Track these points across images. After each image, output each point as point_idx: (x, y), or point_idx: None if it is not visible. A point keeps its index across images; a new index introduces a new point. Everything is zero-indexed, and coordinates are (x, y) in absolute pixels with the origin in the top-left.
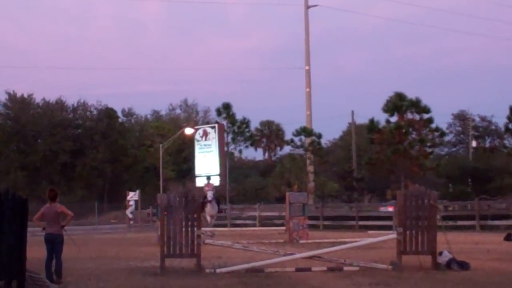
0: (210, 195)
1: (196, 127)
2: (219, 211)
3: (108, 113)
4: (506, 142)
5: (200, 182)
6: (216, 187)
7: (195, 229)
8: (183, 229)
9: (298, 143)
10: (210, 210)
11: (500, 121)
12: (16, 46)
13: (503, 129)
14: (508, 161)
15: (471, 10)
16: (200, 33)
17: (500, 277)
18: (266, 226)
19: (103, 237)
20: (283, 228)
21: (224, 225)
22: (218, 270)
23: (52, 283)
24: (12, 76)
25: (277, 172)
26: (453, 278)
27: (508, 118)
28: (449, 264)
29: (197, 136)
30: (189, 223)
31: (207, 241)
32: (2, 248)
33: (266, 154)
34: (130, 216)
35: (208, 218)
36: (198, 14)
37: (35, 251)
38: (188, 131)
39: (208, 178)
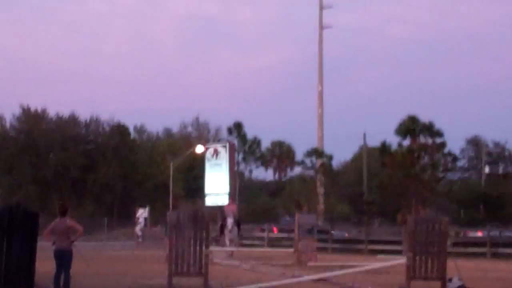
0: (230, 222)
1: (207, 145)
2: (239, 233)
3: (120, 130)
4: None
5: (209, 201)
6: (236, 207)
7: (204, 247)
8: (192, 247)
9: (309, 164)
10: (229, 235)
11: None
12: (31, 59)
13: None
14: None
15: (487, 33)
16: (213, 51)
17: None
18: (274, 247)
19: (112, 254)
20: (291, 249)
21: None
22: None
23: None
24: (26, 89)
25: (286, 193)
26: None
27: None
28: None
29: (207, 155)
30: (198, 241)
31: (215, 260)
32: (11, 261)
33: (277, 175)
34: (139, 233)
35: (227, 242)
36: (212, 32)
37: (45, 265)
38: (199, 149)
39: (231, 197)
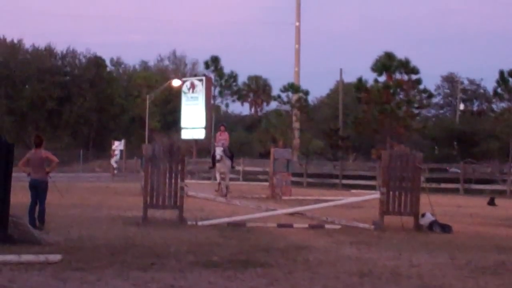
0: (218, 153)
1: (184, 79)
2: (232, 166)
3: (97, 62)
4: (494, 106)
5: (185, 134)
6: (228, 136)
7: (179, 180)
8: (167, 180)
9: (285, 99)
10: (220, 167)
11: (489, 85)
12: None
13: (491, 93)
14: (495, 125)
15: None
16: None
17: (482, 241)
18: (249, 181)
19: (87, 185)
20: (266, 183)
21: (208, 178)
22: (200, 223)
23: (34, 228)
24: (1, 20)
25: (262, 127)
26: (435, 240)
27: (497, 82)
28: (431, 226)
29: (184, 88)
30: (173, 174)
31: (190, 193)
32: None
33: (253, 109)
34: (115, 165)
35: (218, 177)
36: None
37: (20, 196)
38: (176, 83)
39: (222, 124)
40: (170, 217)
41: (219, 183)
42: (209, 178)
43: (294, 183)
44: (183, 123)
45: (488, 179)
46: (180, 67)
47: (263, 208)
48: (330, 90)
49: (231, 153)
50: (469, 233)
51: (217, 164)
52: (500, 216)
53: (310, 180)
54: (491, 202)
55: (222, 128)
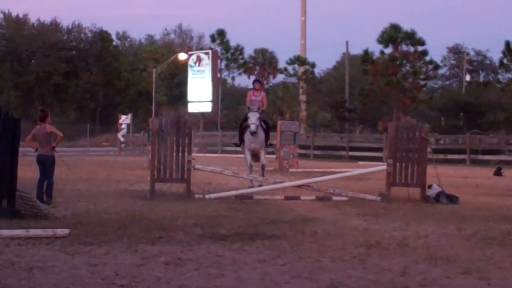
0: (253, 121)
1: (190, 52)
2: (269, 144)
3: (102, 36)
4: (500, 77)
5: (192, 107)
6: (266, 97)
7: (186, 154)
8: (174, 154)
9: (292, 72)
10: (251, 141)
11: (495, 55)
12: None
13: (497, 63)
14: (501, 96)
15: None
16: None
17: (488, 211)
18: None
19: (94, 160)
20: (273, 156)
21: (215, 152)
22: (207, 196)
23: (42, 203)
24: None
25: (269, 100)
26: (441, 211)
27: (503, 52)
28: (438, 197)
29: (190, 62)
30: (180, 148)
31: (197, 166)
32: None
33: None
34: (122, 139)
35: (248, 157)
36: None
37: (27, 171)
38: (182, 56)
39: (257, 81)
40: (177, 191)
41: (250, 166)
42: (215, 152)
43: (301, 155)
44: (190, 96)
45: (494, 150)
46: (186, 41)
47: (270, 180)
48: (337, 63)
49: (267, 124)
50: (476, 203)
51: (248, 138)
52: (506, 187)
53: (317, 152)
54: (498, 173)
55: (257, 85)
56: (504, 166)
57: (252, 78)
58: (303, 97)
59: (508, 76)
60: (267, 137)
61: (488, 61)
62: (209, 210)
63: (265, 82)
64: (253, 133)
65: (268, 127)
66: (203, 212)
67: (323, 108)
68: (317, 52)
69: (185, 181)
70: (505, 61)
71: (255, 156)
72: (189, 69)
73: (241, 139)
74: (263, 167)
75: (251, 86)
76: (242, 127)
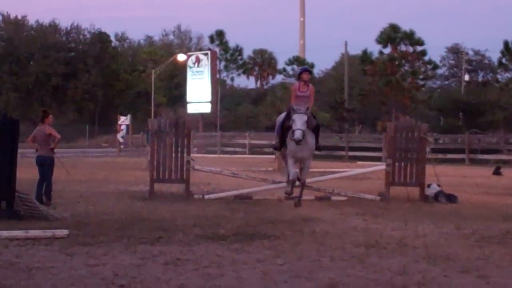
0: (299, 126)
1: (189, 53)
2: (317, 147)
3: (101, 37)
4: (499, 76)
5: (191, 108)
6: (313, 92)
7: (185, 155)
8: (173, 154)
9: (291, 72)
10: (298, 150)
11: (494, 55)
12: None
13: (496, 63)
14: (500, 96)
15: None
16: None
17: (487, 211)
18: (255, 154)
19: (94, 161)
20: (273, 156)
21: (214, 152)
22: (206, 196)
23: (41, 204)
24: None
25: (268, 100)
26: (440, 210)
27: (502, 52)
28: (436, 197)
29: (189, 63)
30: (179, 149)
31: (196, 167)
32: None
33: (258, 83)
34: (121, 140)
35: (291, 167)
36: None
37: (26, 172)
38: (181, 57)
39: (306, 70)
40: (176, 191)
41: (293, 182)
42: (214, 153)
43: None
44: (189, 97)
45: (493, 149)
46: (185, 42)
47: (269, 180)
48: (336, 63)
49: (317, 123)
50: (475, 202)
51: (293, 147)
52: (505, 186)
53: (316, 152)
54: (497, 172)
55: (305, 75)
56: (503, 165)
57: (251, 78)
58: None
59: (507, 76)
60: (317, 140)
61: (487, 61)
62: (209, 211)
63: (264, 83)
64: (299, 141)
65: (318, 128)
66: (202, 213)
67: (322, 108)
68: (316, 52)
69: (184, 182)
70: (504, 60)
71: (300, 167)
72: (188, 70)
73: (282, 143)
74: (303, 184)
75: (250, 86)
76: (284, 127)
